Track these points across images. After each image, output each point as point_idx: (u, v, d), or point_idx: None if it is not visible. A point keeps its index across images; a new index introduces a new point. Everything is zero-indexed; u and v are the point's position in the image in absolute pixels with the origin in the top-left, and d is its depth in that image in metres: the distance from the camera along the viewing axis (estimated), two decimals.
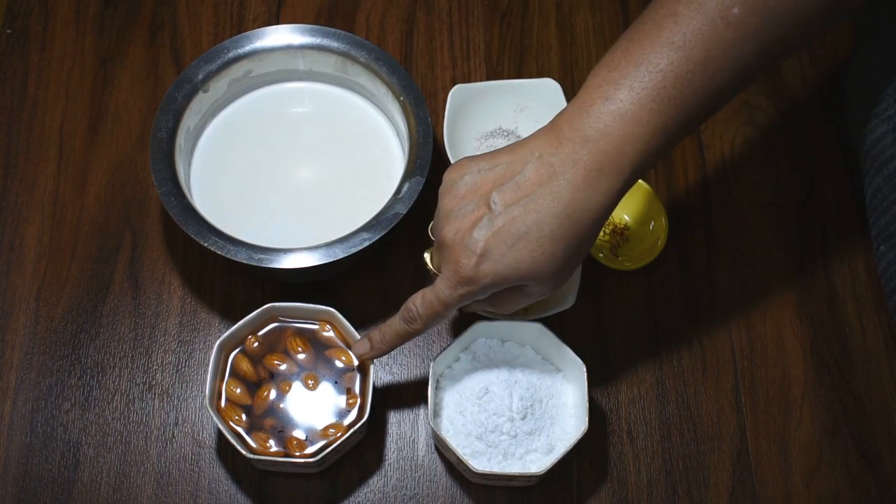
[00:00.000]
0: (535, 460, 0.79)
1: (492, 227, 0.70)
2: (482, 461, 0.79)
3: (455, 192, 0.73)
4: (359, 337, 0.80)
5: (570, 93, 0.99)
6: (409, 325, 0.77)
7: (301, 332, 0.83)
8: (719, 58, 0.68)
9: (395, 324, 0.78)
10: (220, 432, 0.84)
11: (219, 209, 0.89)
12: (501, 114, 0.97)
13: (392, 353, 0.88)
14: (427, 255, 0.79)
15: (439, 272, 0.75)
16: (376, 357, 0.80)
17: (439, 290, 0.74)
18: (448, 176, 0.75)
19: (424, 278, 0.91)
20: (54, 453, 0.84)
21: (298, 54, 0.94)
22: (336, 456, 0.81)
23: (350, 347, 0.82)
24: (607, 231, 0.93)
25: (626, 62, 0.69)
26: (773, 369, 0.88)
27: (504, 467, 0.79)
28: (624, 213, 0.94)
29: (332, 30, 0.93)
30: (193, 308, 0.90)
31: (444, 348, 0.81)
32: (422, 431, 0.85)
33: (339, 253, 0.83)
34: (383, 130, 0.95)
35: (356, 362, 0.82)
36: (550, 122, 0.72)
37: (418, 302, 0.76)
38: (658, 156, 0.70)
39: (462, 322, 0.89)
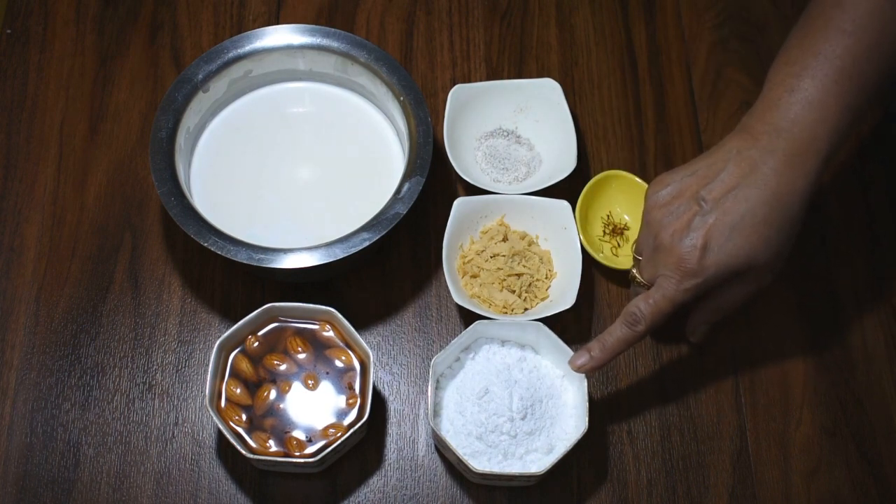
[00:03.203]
0: (535, 460, 0.79)
1: (706, 221, 0.75)
2: (482, 461, 0.79)
3: (661, 202, 0.78)
4: (359, 336, 0.80)
5: (570, 93, 0.99)
6: (633, 328, 0.78)
7: (301, 332, 0.83)
8: (890, 33, 0.73)
9: (616, 330, 0.79)
10: (220, 432, 0.84)
11: (219, 209, 0.89)
12: (501, 114, 0.97)
13: (392, 352, 0.88)
14: (634, 271, 0.81)
15: (651, 284, 0.78)
16: (597, 368, 0.80)
17: (665, 289, 0.76)
18: (650, 191, 0.79)
19: (425, 277, 0.91)
20: (54, 453, 0.84)
21: (298, 54, 0.94)
22: (336, 456, 0.81)
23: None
24: (607, 231, 0.93)
25: (803, 54, 0.75)
26: (773, 369, 0.88)
27: (504, 467, 0.79)
28: (624, 213, 0.94)
29: (332, 30, 0.93)
30: (193, 308, 0.90)
31: (444, 348, 0.81)
32: (422, 431, 0.85)
33: (339, 253, 0.83)
34: (383, 130, 0.95)
35: (356, 362, 0.82)
36: (740, 124, 0.77)
37: (641, 305, 0.77)
38: (850, 130, 0.75)
39: (462, 322, 0.89)
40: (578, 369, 0.80)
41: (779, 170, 0.74)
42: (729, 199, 0.75)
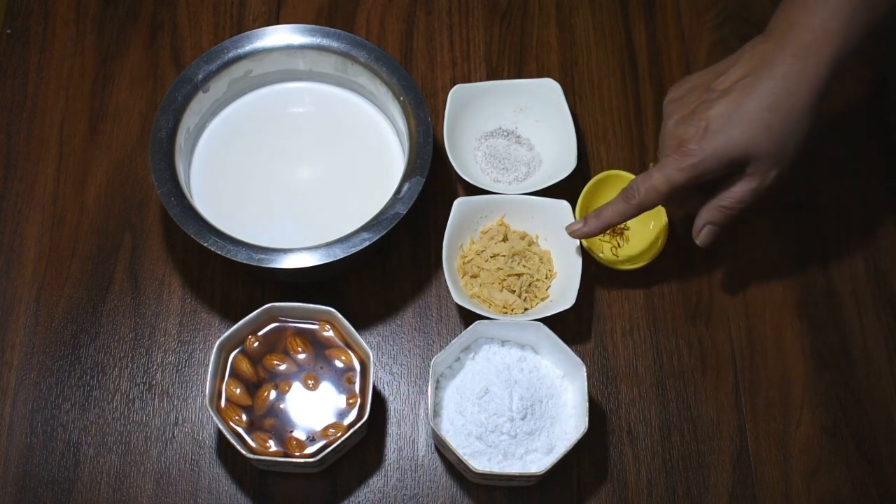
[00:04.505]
0: (535, 460, 0.79)
1: (711, 107, 0.77)
2: (482, 461, 0.79)
3: (676, 97, 0.81)
4: (359, 336, 0.80)
5: (570, 93, 0.99)
6: (628, 202, 0.81)
7: (301, 332, 0.83)
8: None
9: (612, 203, 0.82)
10: (220, 432, 0.84)
11: (219, 209, 0.89)
12: (501, 114, 0.97)
13: (392, 353, 0.88)
14: (651, 164, 0.83)
15: None
16: (589, 235, 0.84)
17: (663, 167, 0.79)
18: (669, 90, 0.83)
19: (425, 277, 0.91)
20: (54, 453, 0.84)
21: (298, 54, 0.94)
22: (336, 456, 0.81)
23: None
24: (607, 231, 0.93)
25: None
26: (773, 369, 0.88)
27: (504, 467, 0.79)
28: None
29: (332, 30, 0.93)
30: (193, 308, 0.90)
31: (444, 348, 0.81)
32: (422, 431, 0.85)
33: (339, 253, 0.83)
34: (383, 130, 0.95)
35: (356, 362, 0.82)
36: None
37: (639, 181, 0.80)
38: (864, 31, 0.75)
39: (462, 322, 0.89)
40: (573, 234, 0.85)
41: (788, 60, 0.75)
42: (736, 88, 0.76)
